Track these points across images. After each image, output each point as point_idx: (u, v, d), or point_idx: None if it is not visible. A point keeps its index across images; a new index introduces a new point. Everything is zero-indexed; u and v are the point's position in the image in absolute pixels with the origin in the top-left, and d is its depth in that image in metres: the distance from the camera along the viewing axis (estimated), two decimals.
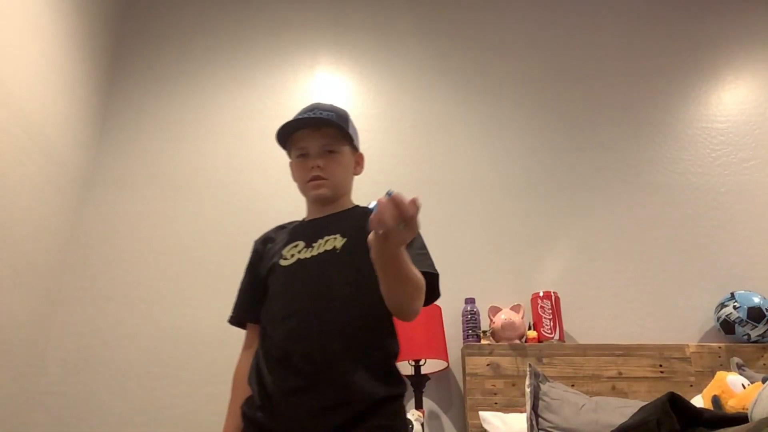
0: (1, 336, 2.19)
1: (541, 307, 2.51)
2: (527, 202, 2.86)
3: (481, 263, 2.71)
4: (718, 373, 1.93)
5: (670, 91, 3.13)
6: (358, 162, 1.44)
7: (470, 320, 2.48)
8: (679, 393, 1.33)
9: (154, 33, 3.19)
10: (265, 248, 1.40)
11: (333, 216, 1.37)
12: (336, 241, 1.29)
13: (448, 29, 3.25)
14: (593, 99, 3.10)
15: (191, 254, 2.70)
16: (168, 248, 2.71)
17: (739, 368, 2.17)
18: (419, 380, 2.32)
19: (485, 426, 2.16)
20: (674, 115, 3.08)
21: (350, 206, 1.41)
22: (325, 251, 1.29)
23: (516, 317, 2.47)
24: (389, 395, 1.17)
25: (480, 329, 2.47)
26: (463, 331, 2.49)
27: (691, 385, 2.33)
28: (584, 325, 2.60)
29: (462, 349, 2.47)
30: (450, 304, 2.50)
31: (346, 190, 1.41)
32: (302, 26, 3.23)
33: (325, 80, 3.12)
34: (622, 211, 2.86)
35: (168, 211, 2.79)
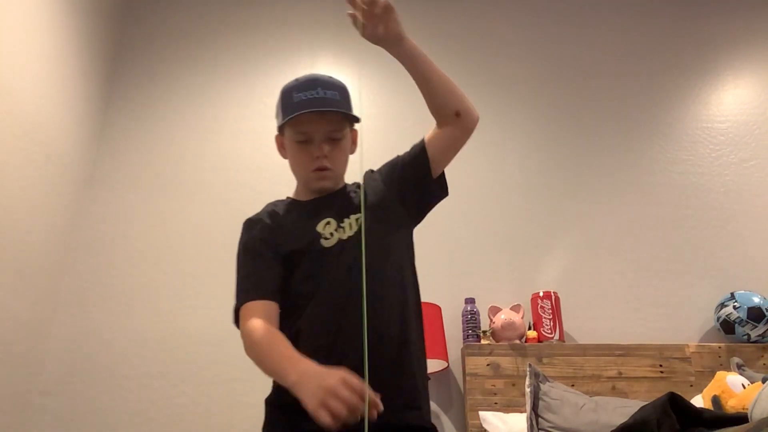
0: (1, 336, 2.19)
1: (541, 307, 2.51)
2: (527, 202, 2.86)
3: (481, 263, 2.70)
4: (718, 373, 1.93)
5: (670, 91, 3.13)
6: (354, 140, 1.37)
7: (470, 320, 2.48)
8: (679, 393, 1.33)
9: (154, 33, 3.19)
10: (274, 225, 1.31)
11: (332, 196, 1.31)
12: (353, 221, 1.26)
13: (449, 30, 3.24)
14: (593, 99, 3.10)
15: (191, 254, 2.70)
16: (168, 248, 2.71)
17: (739, 368, 2.17)
18: None
19: (485, 426, 2.16)
20: (674, 115, 3.08)
21: (342, 185, 1.36)
22: (354, 232, 1.23)
23: (516, 317, 2.47)
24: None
25: (480, 329, 2.47)
26: (463, 331, 2.48)
27: (691, 385, 2.33)
28: (584, 325, 2.60)
29: (462, 349, 2.47)
30: (450, 304, 2.50)
31: (344, 174, 1.36)
32: (302, 26, 3.23)
33: None
34: (622, 211, 2.85)
35: (168, 212, 2.78)
